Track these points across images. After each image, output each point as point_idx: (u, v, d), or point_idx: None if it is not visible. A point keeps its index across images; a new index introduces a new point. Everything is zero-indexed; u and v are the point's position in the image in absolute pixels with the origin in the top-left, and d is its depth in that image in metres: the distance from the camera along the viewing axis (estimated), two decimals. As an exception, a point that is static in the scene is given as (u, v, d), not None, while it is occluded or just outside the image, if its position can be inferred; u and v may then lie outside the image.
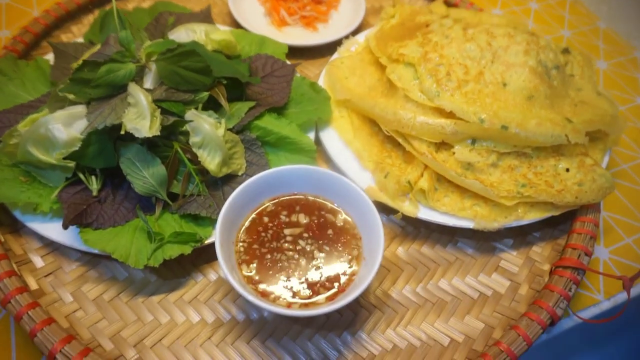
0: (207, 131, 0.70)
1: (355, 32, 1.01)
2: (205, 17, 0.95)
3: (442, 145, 0.78)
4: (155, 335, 0.62)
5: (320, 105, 0.85)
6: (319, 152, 0.84)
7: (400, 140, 0.78)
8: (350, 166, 0.80)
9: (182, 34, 0.83)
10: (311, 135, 0.82)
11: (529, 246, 0.76)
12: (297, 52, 1.00)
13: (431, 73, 0.81)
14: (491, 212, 0.73)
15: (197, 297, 0.67)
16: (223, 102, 0.76)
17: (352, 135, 0.84)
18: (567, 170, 0.75)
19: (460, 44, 0.83)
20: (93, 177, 0.70)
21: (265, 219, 0.69)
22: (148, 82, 0.72)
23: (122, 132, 0.64)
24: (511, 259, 0.74)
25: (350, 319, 0.67)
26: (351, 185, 0.67)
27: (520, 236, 0.77)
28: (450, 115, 0.76)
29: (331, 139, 0.84)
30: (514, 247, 0.76)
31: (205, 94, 0.75)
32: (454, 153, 0.76)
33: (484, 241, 0.76)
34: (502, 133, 0.73)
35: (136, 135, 0.64)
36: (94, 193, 0.69)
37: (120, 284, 0.66)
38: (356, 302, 0.69)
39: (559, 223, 0.77)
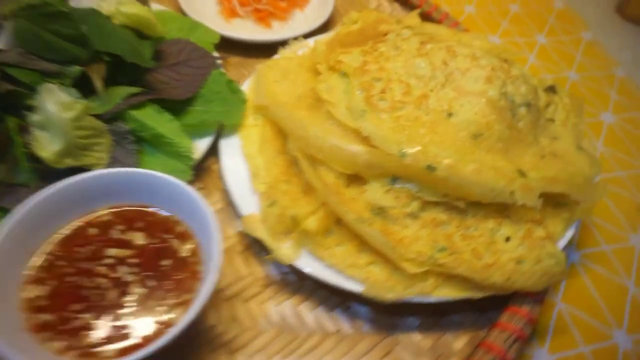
0: (49, 110, 0.56)
1: (310, 35, 0.86)
2: (139, -9, 0.83)
3: (357, 179, 0.61)
4: None
5: (232, 108, 0.71)
6: (216, 163, 0.69)
7: (303, 163, 0.62)
8: (239, 186, 0.64)
9: (85, 1, 0.71)
10: (206, 141, 0.68)
11: (441, 332, 0.57)
12: (242, 48, 0.86)
13: (364, 87, 0.64)
14: (390, 277, 0.55)
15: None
16: (97, 82, 0.63)
17: (258, 148, 0.68)
18: (507, 239, 0.56)
19: (409, 58, 0.67)
20: None
21: (92, 231, 0.53)
22: (1, 42, 0.60)
23: None
24: (411, 345, 0.55)
25: (166, 384, 0.50)
26: (202, 205, 0.52)
27: (434, 316, 0.58)
28: (368, 141, 0.59)
29: (231, 149, 0.68)
30: (421, 329, 0.57)
31: (77, 69, 0.62)
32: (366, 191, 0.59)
33: (384, 314, 0.57)
34: (428, 175, 0.56)
35: (-56, 98, 0.52)
36: None
37: None
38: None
39: (490, 308, 0.58)
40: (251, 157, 0.67)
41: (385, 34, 0.77)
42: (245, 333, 0.55)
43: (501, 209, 0.59)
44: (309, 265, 0.56)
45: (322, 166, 0.61)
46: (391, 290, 0.53)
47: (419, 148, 0.56)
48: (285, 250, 0.57)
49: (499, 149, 0.59)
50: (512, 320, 0.52)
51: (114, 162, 0.62)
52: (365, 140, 0.59)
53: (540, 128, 0.67)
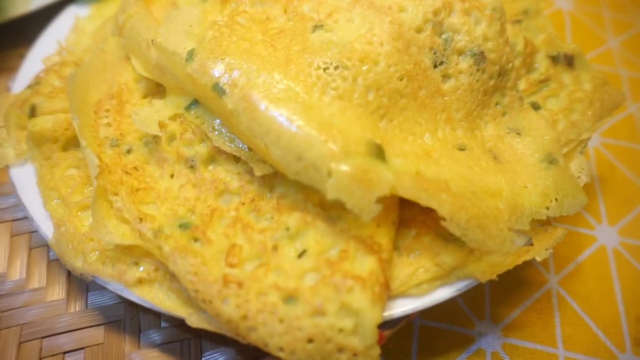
0: None
1: None
2: None
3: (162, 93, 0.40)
4: None
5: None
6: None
7: (105, 43, 0.42)
8: (41, 51, 0.47)
9: None
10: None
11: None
12: None
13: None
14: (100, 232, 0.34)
15: None
16: None
17: (97, 27, 0.50)
18: (302, 253, 0.31)
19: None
20: None
21: None
22: None
23: None
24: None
25: None
26: None
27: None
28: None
29: (70, 19, 0.51)
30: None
31: None
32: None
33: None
34: (216, 102, 0.33)
35: None
36: None
37: None
38: None
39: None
40: (78, 31, 0.49)
41: None
42: None
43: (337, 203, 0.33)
44: (18, 173, 0.37)
45: (128, 62, 0.41)
46: (81, 253, 0.33)
47: (221, 57, 0.33)
48: (12, 148, 0.39)
49: (362, 104, 0.33)
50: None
51: None
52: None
53: (493, 107, 0.38)
